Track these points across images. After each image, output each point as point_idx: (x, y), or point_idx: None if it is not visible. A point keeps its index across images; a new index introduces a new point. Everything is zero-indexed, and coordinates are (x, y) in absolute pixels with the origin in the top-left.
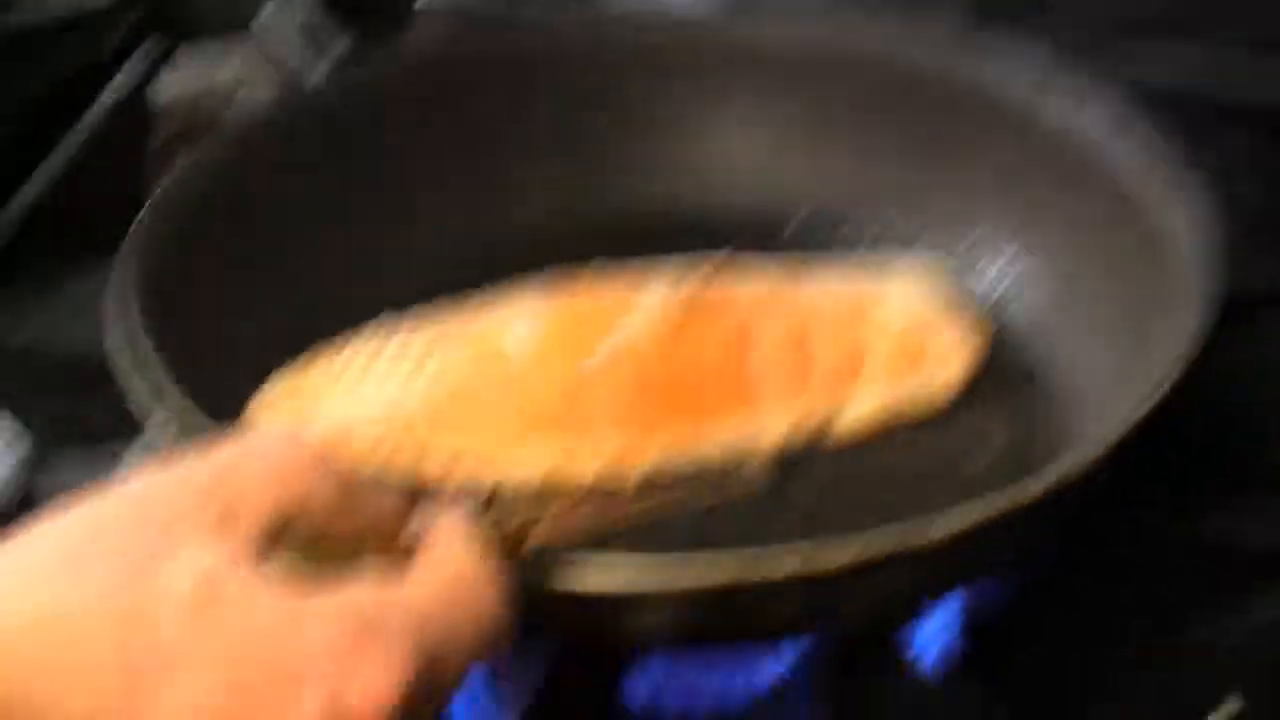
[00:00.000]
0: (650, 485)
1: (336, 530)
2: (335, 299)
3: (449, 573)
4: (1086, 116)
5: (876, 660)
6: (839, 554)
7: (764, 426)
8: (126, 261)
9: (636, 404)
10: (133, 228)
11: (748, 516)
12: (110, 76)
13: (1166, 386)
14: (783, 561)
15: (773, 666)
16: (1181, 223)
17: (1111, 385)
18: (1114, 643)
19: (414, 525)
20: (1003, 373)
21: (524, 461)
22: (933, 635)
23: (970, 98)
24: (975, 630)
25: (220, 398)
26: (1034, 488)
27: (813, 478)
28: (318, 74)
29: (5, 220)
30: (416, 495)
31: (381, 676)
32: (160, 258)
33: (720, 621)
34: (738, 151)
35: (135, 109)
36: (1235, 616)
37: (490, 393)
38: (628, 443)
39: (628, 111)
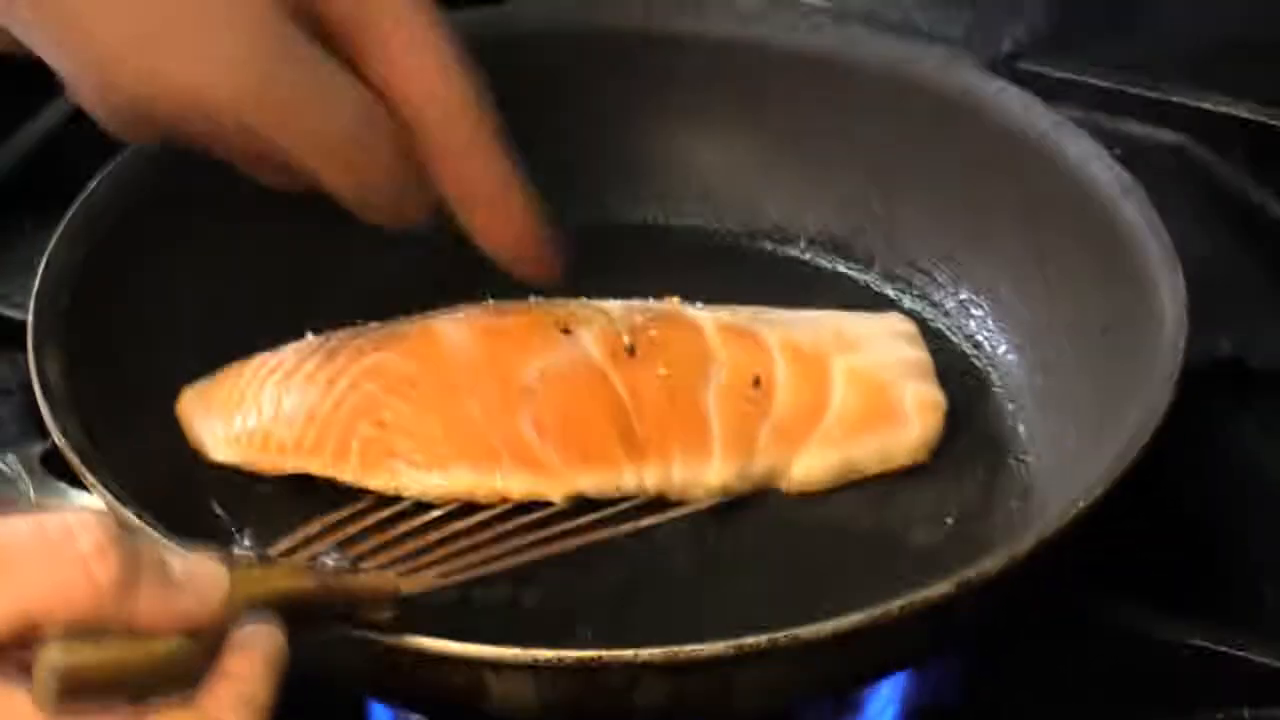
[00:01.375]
0: (578, 512)
1: (124, 622)
2: (267, 312)
3: None
4: (1093, 175)
5: None
6: (709, 648)
7: (710, 466)
8: (59, 247)
9: (578, 425)
10: (67, 217)
11: (684, 554)
12: None
13: (1098, 491)
14: (644, 652)
15: None
16: (1166, 302)
17: (1074, 464)
18: None
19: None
20: (970, 439)
21: (449, 473)
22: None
23: (983, 142)
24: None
25: (147, 391)
26: (938, 591)
27: (762, 521)
28: None
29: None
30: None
31: None
32: (95, 248)
33: (590, 702)
34: (719, 171)
35: None
36: None
37: (425, 394)
38: (561, 466)
39: (603, 122)
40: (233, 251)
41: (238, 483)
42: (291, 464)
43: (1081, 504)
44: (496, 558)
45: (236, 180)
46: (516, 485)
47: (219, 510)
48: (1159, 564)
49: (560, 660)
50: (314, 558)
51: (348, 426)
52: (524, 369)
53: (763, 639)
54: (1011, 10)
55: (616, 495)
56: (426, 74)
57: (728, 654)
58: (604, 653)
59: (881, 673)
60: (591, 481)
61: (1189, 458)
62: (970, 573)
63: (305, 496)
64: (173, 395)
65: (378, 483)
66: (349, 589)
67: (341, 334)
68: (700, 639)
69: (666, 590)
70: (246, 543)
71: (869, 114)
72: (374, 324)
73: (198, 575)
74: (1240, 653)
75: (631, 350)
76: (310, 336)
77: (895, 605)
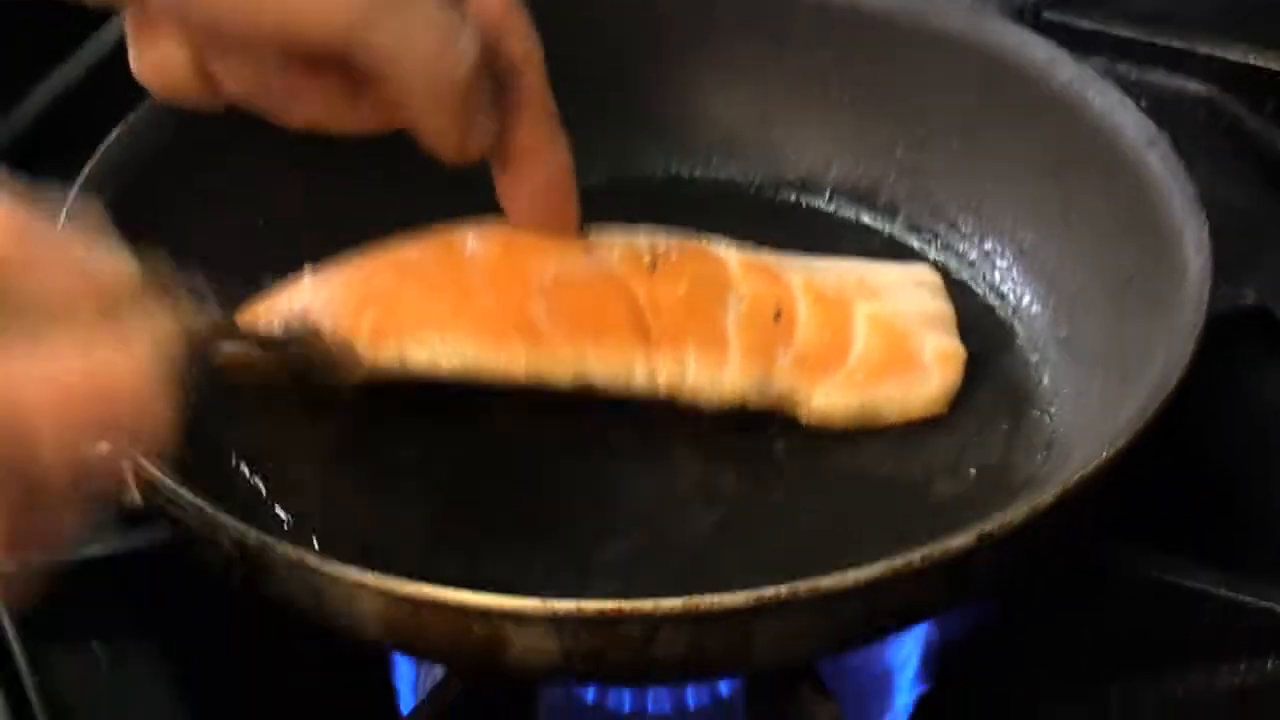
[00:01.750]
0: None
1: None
2: (287, 265)
3: (102, 356)
4: (1118, 125)
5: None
6: (729, 599)
7: (727, 370)
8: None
9: (592, 314)
10: (84, 173)
11: (703, 504)
12: None
13: (1122, 443)
14: (663, 603)
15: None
16: (1190, 253)
17: (1098, 416)
18: (1077, 692)
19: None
20: (993, 390)
21: (456, 346)
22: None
23: (1008, 92)
24: (937, 669)
25: None
26: (959, 542)
27: (782, 472)
28: None
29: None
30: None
31: None
32: (112, 202)
33: (610, 655)
34: (742, 121)
35: None
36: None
37: (438, 284)
38: (570, 346)
39: (626, 73)
40: (251, 204)
41: (265, 445)
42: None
43: (1105, 455)
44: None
45: (255, 135)
46: (523, 361)
47: (245, 470)
48: (1184, 515)
49: (580, 611)
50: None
51: (359, 309)
52: (540, 272)
53: (783, 589)
54: None
55: (626, 389)
56: (512, 18)
57: (748, 605)
58: (623, 604)
59: (902, 624)
60: (601, 365)
61: (1214, 408)
62: (992, 524)
63: (332, 470)
64: None
65: (385, 356)
66: (307, 350)
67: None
68: (720, 590)
69: (686, 541)
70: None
71: (893, 64)
72: None
73: (104, 259)
74: (1266, 603)
75: (653, 266)
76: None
77: (917, 556)
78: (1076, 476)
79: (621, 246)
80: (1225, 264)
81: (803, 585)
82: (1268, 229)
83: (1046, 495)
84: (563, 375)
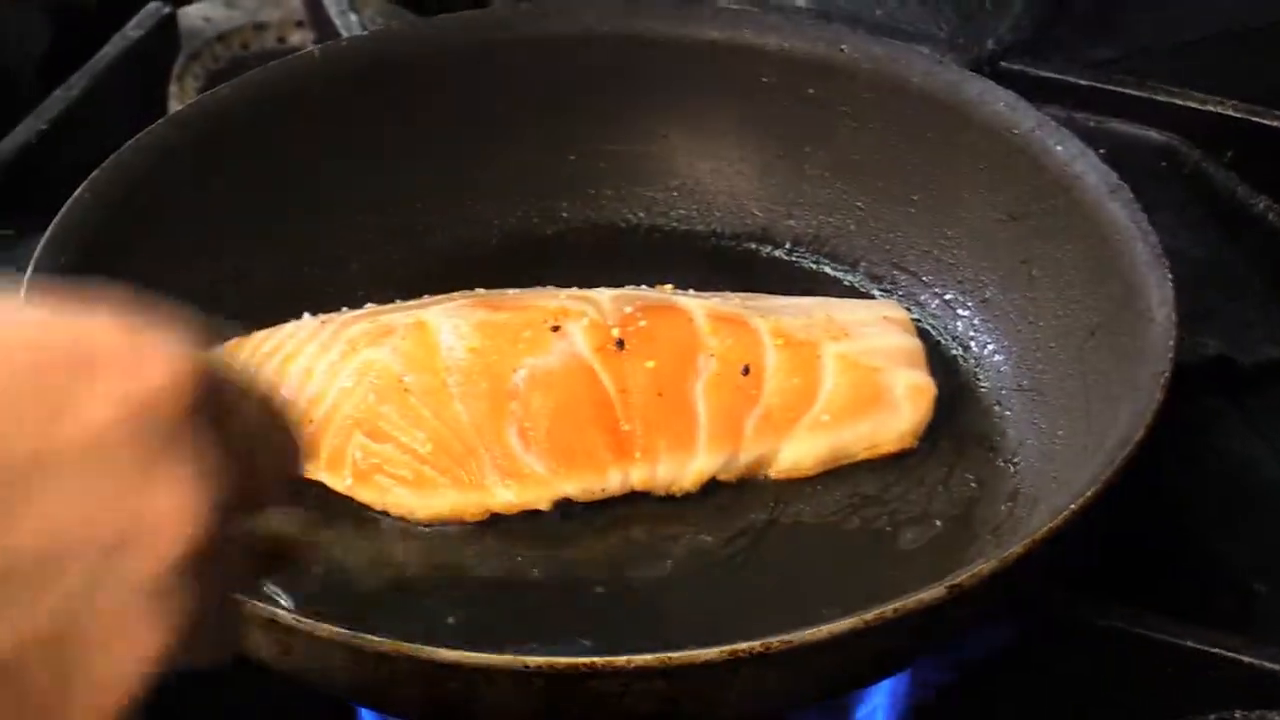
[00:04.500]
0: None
1: None
2: (251, 313)
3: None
4: (1080, 175)
5: None
6: (702, 654)
7: (695, 459)
8: (44, 256)
9: (564, 430)
10: (51, 227)
11: (676, 560)
12: None
13: (1089, 493)
14: (636, 659)
15: None
16: (1155, 303)
17: (1064, 466)
18: None
19: None
20: (958, 441)
21: (437, 495)
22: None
23: (968, 142)
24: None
25: None
26: (931, 594)
27: (754, 525)
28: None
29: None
30: None
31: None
32: (78, 255)
33: (584, 709)
34: (705, 172)
35: (167, 30)
36: None
37: (415, 398)
38: (548, 475)
39: (593, 125)
40: (213, 255)
41: None
42: None
43: (1072, 506)
44: None
45: (211, 187)
46: (503, 501)
47: None
48: (1150, 565)
49: (553, 667)
50: None
51: (345, 436)
52: (512, 370)
53: (756, 644)
54: (996, 9)
55: (601, 495)
56: None
57: (721, 659)
58: (597, 659)
59: (874, 676)
60: (577, 487)
61: (1179, 458)
62: (962, 576)
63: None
64: None
65: (367, 496)
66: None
67: (336, 319)
68: (693, 644)
69: (659, 597)
70: None
71: (854, 114)
72: (370, 306)
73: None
74: (1231, 653)
75: (620, 344)
76: (307, 316)
77: (889, 608)
78: (1045, 528)
79: (590, 318)
80: (1186, 313)
81: (776, 639)
82: (1228, 277)
83: (1015, 547)
84: (542, 504)
